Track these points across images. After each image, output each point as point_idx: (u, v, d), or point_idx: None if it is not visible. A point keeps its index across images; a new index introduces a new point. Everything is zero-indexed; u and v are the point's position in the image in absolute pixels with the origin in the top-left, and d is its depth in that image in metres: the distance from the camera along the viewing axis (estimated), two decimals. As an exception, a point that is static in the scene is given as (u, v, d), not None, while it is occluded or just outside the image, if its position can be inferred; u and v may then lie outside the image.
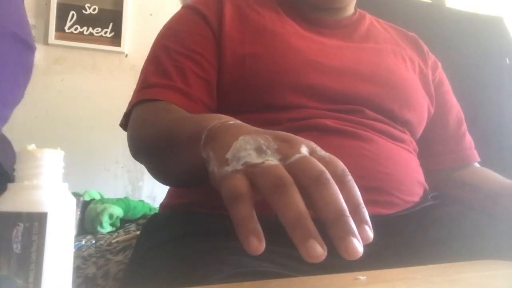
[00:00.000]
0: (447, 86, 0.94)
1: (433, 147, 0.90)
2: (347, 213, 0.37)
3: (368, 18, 0.92)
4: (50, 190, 0.32)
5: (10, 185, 0.32)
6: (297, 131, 0.69)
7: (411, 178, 0.73)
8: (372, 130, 0.73)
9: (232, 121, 0.50)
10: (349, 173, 0.41)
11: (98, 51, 2.18)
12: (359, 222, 0.38)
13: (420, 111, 0.82)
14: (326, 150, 0.70)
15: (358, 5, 0.94)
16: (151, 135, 0.66)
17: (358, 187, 0.68)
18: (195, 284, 0.44)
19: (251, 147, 0.42)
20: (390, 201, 0.69)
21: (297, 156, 0.40)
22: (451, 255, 0.56)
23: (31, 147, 0.33)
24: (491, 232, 0.66)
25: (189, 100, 0.72)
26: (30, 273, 0.30)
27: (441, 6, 1.59)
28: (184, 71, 0.73)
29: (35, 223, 0.31)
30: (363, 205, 0.40)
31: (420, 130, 0.84)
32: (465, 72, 1.25)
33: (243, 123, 0.50)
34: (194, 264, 0.53)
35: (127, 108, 0.76)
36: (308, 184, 0.38)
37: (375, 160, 0.69)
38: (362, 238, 0.37)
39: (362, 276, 0.42)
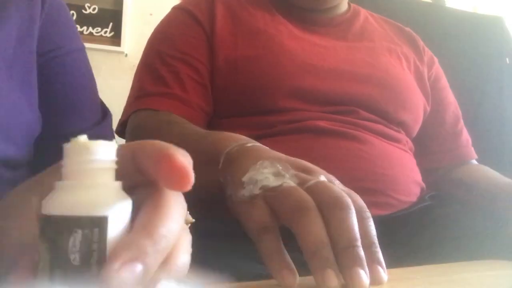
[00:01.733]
0: (444, 82, 0.94)
1: (430, 145, 0.89)
2: (359, 243, 0.36)
3: (363, 14, 0.91)
4: (108, 189, 0.28)
5: (59, 184, 0.27)
6: (291, 133, 0.70)
7: (407, 178, 0.73)
8: (366, 130, 0.73)
9: (250, 143, 0.49)
10: (367, 210, 0.40)
11: (98, 50, 2.18)
12: (372, 262, 0.37)
13: (416, 111, 0.82)
14: (321, 152, 0.70)
15: (358, 4, 0.94)
16: None
17: (354, 188, 0.68)
18: None
19: (268, 171, 0.41)
20: (386, 202, 0.68)
21: (315, 180, 0.40)
22: (450, 255, 0.56)
23: (83, 138, 0.28)
24: (490, 232, 0.66)
25: (188, 107, 0.71)
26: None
27: (441, 6, 1.59)
28: (180, 76, 0.72)
29: (95, 229, 0.26)
30: (377, 244, 0.39)
31: (415, 130, 0.84)
32: (465, 72, 1.25)
33: (261, 145, 0.49)
34: (191, 266, 0.53)
35: (123, 117, 0.75)
36: (326, 207, 0.37)
37: (370, 160, 0.69)
38: (374, 279, 0.37)
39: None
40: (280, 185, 0.39)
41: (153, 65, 0.75)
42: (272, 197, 0.39)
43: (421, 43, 0.93)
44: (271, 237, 0.38)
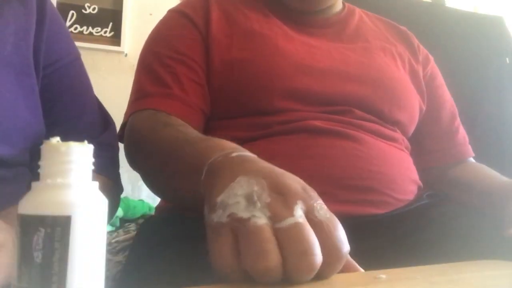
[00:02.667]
0: (440, 80, 0.94)
1: (426, 144, 0.89)
2: None
3: (358, 13, 0.91)
4: (76, 190, 0.28)
5: (34, 184, 0.28)
6: (287, 133, 0.70)
7: (404, 177, 0.73)
8: (362, 130, 0.73)
9: (235, 152, 0.47)
10: (341, 258, 0.38)
11: (98, 50, 2.18)
12: None
13: (411, 110, 0.82)
14: (317, 151, 0.70)
15: (357, 5, 0.94)
16: (150, 155, 0.65)
17: (351, 186, 0.68)
18: (191, 285, 0.43)
19: (242, 193, 0.39)
20: (383, 200, 0.69)
21: (289, 222, 0.37)
22: (448, 254, 0.56)
23: (55, 140, 0.29)
24: (490, 231, 0.66)
25: (188, 107, 0.71)
26: (52, 286, 0.26)
27: (441, 6, 1.58)
28: (179, 77, 0.73)
29: (57, 228, 0.26)
30: None
31: (411, 129, 0.84)
32: (465, 72, 1.25)
33: (247, 155, 0.47)
34: (189, 265, 0.53)
35: (124, 120, 0.75)
36: (290, 261, 0.36)
37: (366, 159, 0.69)
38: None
39: (382, 275, 0.42)
40: (248, 219, 0.37)
41: (151, 66, 0.75)
42: (238, 229, 0.37)
43: (416, 41, 0.93)
44: (235, 277, 0.37)
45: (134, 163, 0.70)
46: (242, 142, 0.70)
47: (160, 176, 0.63)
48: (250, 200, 0.39)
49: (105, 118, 0.75)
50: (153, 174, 0.65)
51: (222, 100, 0.74)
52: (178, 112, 0.70)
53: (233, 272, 0.37)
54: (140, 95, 0.73)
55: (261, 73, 0.72)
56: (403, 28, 0.94)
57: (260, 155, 0.48)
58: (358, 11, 0.92)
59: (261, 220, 0.37)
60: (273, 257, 0.35)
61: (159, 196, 0.71)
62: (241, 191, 0.40)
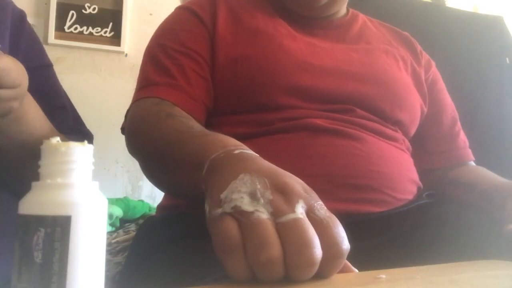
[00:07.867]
0: (441, 85, 0.94)
1: (427, 146, 0.90)
2: None
3: (361, 18, 0.92)
4: (76, 190, 0.28)
5: (33, 184, 0.28)
6: (288, 131, 0.71)
7: (403, 176, 0.74)
8: (363, 129, 0.73)
9: (238, 150, 0.47)
10: (342, 255, 0.38)
11: (98, 50, 2.18)
12: None
13: (412, 110, 0.83)
14: (317, 149, 0.70)
15: (358, 4, 0.94)
16: (151, 144, 0.65)
17: (350, 185, 0.68)
18: (191, 285, 0.43)
19: (245, 190, 0.40)
20: (382, 199, 0.69)
21: (290, 217, 0.38)
22: (449, 254, 0.56)
23: (55, 140, 0.29)
24: (490, 231, 0.66)
25: (193, 100, 0.72)
26: (52, 286, 0.26)
27: (441, 6, 1.59)
28: (185, 70, 0.73)
29: (57, 228, 0.27)
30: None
31: (412, 130, 0.84)
32: (465, 72, 1.25)
33: (248, 153, 0.47)
34: (190, 265, 0.53)
35: (128, 109, 0.75)
36: (291, 255, 0.36)
37: (366, 158, 0.69)
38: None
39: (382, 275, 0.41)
40: (252, 213, 0.38)
41: (158, 58, 0.76)
42: (241, 222, 0.38)
43: (418, 47, 0.94)
44: (236, 260, 0.37)
45: (134, 149, 0.70)
46: (243, 138, 0.70)
47: (159, 166, 0.63)
48: (253, 197, 0.39)
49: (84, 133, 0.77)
50: (152, 162, 0.65)
51: (225, 96, 0.75)
52: (182, 103, 0.70)
53: (237, 251, 0.37)
54: (145, 84, 0.74)
55: (264, 69, 0.73)
56: (405, 33, 0.95)
57: (260, 153, 0.48)
58: (361, 16, 0.93)
59: (264, 214, 0.38)
60: (275, 249, 0.36)
61: (156, 185, 0.71)
62: (244, 188, 0.40)
